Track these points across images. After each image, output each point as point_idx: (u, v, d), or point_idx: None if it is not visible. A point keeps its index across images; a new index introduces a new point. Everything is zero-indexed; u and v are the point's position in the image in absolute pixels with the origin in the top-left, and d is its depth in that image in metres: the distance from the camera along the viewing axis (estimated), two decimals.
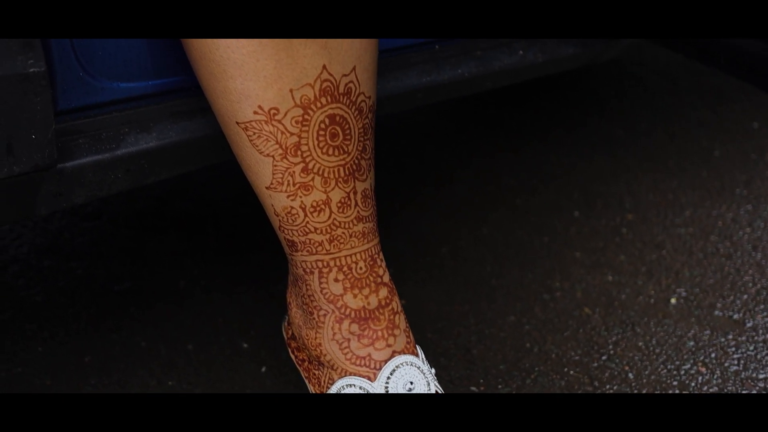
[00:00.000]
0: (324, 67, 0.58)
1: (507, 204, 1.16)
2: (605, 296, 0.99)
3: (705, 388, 0.86)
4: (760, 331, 0.94)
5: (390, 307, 0.64)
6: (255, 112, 0.58)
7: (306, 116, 0.58)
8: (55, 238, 1.06)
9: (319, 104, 0.58)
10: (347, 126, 0.60)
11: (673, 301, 0.99)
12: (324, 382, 0.65)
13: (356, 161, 0.61)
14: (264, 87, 0.57)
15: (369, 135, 0.63)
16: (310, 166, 0.60)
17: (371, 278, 0.64)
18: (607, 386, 0.86)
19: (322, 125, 0.59)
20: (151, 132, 0.65)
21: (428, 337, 0.92)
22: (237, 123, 0.59)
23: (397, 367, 0.64)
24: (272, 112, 0.58)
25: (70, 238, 1.06)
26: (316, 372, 0.67)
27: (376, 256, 0.65)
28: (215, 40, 0.56)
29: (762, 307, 0.97)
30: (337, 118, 0.59)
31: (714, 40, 0.76)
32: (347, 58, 0.59)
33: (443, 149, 1.30)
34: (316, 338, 0.64)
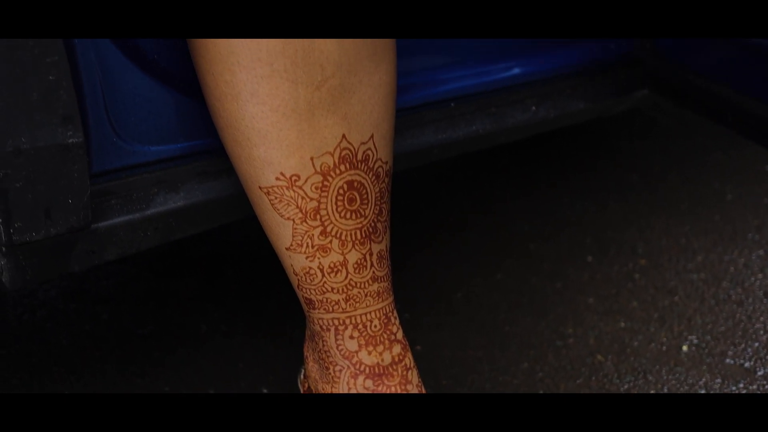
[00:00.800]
0: (343, 136, 0.61)
1: (520, 250, 1.19)
2: (618, 343, 1.01)
3: None
4: None
5: (403, 363, 0.67)
6: (277, 178, 0.61)
7: (325, 182, 0.61)
8: (81, 281, 1.10)
9: (338, 171, 0.61)
10: (365, 191, 0.63)
11: (684, 348, 1.00)
12: None
13: (372, 224, 0.64)
14: (286, 155, 0.60)
15: (385, 198, 0.66)
16: (329, 229, 0.63)
17: (385, 335, 0.66)
18: None
19: (341, 191, 0.62)
20: (179, 192, 0.68)
21: (442, 383, 0.94)
22: (260, 187, 0.62)
23: None
24: (293, 178, 0.61)
25: (96, 281, 1.10)
26: None
27: (390, 314, 0.67)
28: (241, 109, 0.59)
29: None
30: (355, 183, 0.62)
31: (721, 100, 0.78)
32: (366, 127, 0.62)
33: (457, 195, 1.33)
34: (331, 392, 0.67)
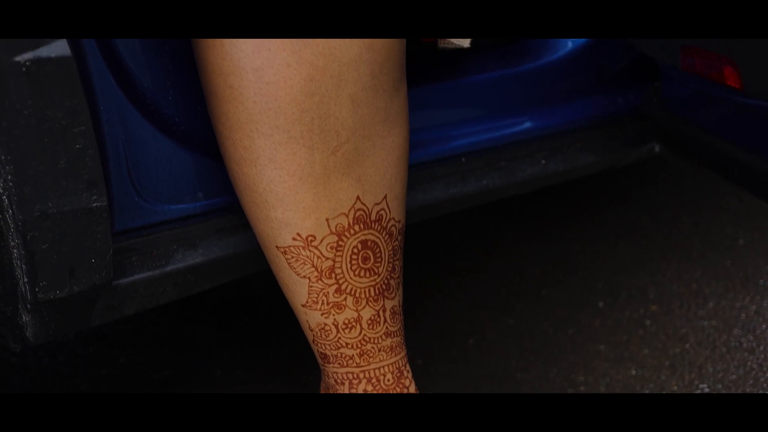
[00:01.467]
0: (358, 197, 0.63)
1: (532, 295, 1.20)
2: (629, 391, 1.01)
3: None
4: None
5: None
6: (294, 239, 0.63)
7: (340, 242, 0.63)
8: (100, 325, 1.12)
9: (352, 231, 0.63)
10: (378, 250, 0.65)
11: None
12: None
13: (386, 281, 0.66)
14: (303, 217, 0.62)
15: (398, 255, 0.67)
16: (343, 287, 0.64)
17: (398, 389, 0.68)
18: None
19: (355, 250, 0.64)
20: (197, 249, 0.71)
21: None
22: (277, 247, 0.64)
23: None
24: (309, 238, 0.63)
25: (113, 326, 1.12)
26: None
27: (403, 367, 0.69)
28: (259, 173, 0.62)
29: None
30: (369, 243, 0.64)
31: (726, 156, 0.80)
32: (379, 188, 0.64)
33: (469, 239, 1.35)
34: None
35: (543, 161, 0.89)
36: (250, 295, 1.19)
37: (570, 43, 0.89)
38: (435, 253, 1.31)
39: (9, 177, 0.55)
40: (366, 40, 0.60)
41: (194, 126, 0.68)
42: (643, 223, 1.38)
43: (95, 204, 0.59)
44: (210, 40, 0.59)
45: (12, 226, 0.58)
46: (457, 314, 1.15)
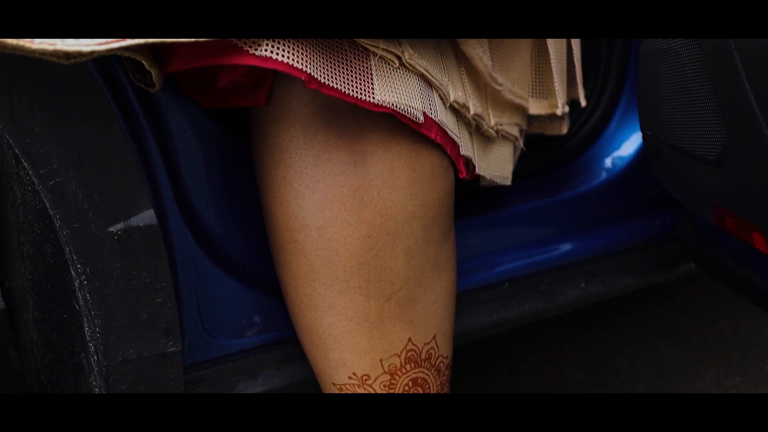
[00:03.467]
0: (409, 339, 0.68)
1: None
2: None
3: None
4: None
5: None
6: (349, 377, 0.68)
7: (393, 380, 0.68)
8: None
9: (404, 370, 0.68)
10: (427, 386, 0.69)
11: None
12: None
13: None
14: (358, 358, 0.67)
15: (445, 389, 0.72)
16: None
17: None
18: None
19: (406, 387, 0.68)
20: (257, 378, 0.76)
21: None
22: (333, 384, 0.69)
23: None
24: (364, 377, 0.68)
25: None
26: None
27: None
28: (319, 318, 0.67)
29: None
30: (419, 380, 0.69)
31: (758, 287, 0.82)
32: (429, 328, 0.69)
33: (510, 339, 1.38)
34: None
35: (583, 284, 0.92)
36: None
37: (605, 173, 0.94)
38: (476, 356, 1.34)
39: (97, 329, 0.61)
40: (419, 198, 0.65)
41: (257, 267, 0.74)
42: (682, 323, 1.40)
43: (171, 349, 0.65)
44: (278, 199, 0.65)
45: (96, 369, 0.63)
46: None
